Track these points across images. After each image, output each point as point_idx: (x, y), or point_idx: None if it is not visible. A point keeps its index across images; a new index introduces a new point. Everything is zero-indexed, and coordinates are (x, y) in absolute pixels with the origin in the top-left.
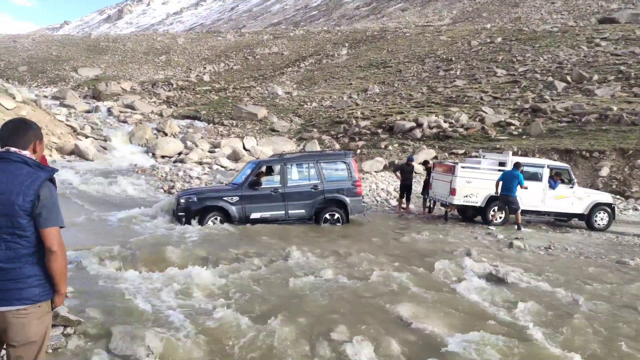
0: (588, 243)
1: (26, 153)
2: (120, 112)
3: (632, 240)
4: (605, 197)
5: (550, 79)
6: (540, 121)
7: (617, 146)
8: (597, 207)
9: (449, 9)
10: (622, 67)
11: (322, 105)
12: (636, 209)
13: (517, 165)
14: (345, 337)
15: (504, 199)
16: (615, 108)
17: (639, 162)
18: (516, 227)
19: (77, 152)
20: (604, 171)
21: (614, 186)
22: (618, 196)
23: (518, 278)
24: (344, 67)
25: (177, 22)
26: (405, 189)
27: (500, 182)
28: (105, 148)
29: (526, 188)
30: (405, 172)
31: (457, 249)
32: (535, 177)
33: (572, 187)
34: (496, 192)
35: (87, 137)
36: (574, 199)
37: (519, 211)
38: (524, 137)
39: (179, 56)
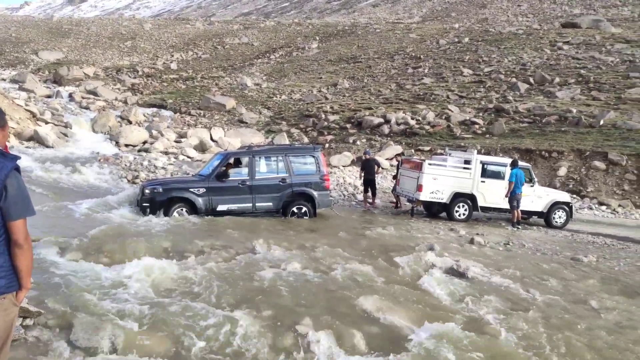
0: (545, 240)
1: None
2: (83, 98)
3: (586, 238)
4: (564, 196)
5: (514, 80)
6: (503, 121)
7: (574, 147)
8: (555, 205)
9: (419, 7)
10: (582, 71)
11: (291, 98)
12: (591, 208)
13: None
14: (310, 330)
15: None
16: (574, 110)
17: (595, 163)
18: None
19: (37, 139)
20: (562, 171)
21: (570, 186)
22: (574, 195)
23: (478, 273)
24: (314, 60)
25: (144, 7)
26: (369, 184)
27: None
28: (66, 135)
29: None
30: (366, 166)
31: (420, 244)
32: (497, 176)
33: (532, 186)
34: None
35: (47, 123)
36: (534, 197)
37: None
38: (487, 136)
39: (145, 42)
